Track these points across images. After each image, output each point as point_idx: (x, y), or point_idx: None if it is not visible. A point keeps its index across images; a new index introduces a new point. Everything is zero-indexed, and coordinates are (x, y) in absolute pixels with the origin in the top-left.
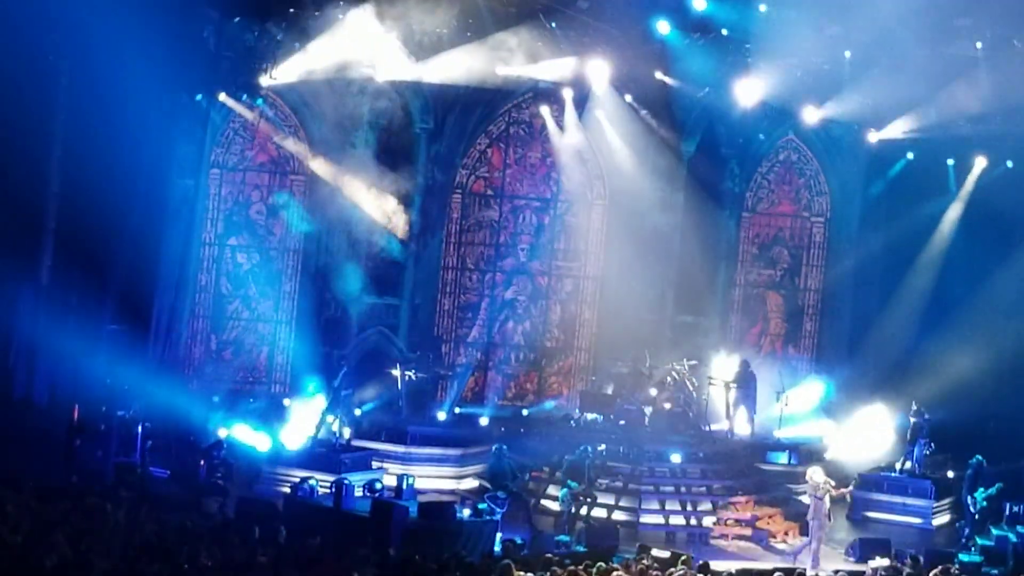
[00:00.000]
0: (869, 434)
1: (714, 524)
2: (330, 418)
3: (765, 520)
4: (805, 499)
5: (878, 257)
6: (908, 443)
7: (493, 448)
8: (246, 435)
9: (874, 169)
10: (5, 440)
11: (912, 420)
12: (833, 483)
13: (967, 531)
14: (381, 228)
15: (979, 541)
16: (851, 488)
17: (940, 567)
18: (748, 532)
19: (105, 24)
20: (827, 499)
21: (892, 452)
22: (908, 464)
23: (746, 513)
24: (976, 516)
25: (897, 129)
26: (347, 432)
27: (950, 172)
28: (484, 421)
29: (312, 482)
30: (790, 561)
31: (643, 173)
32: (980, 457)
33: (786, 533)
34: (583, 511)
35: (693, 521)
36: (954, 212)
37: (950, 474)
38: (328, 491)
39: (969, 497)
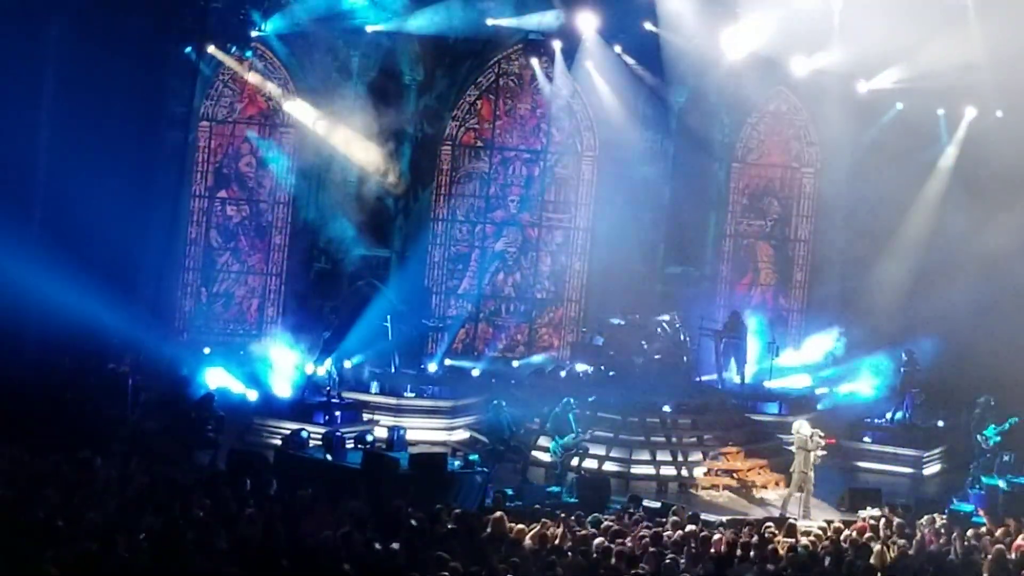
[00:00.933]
0: (860, 383)
1: (702, 475)
2: (320, 370)
3: (753, 471)
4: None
5: (868, 207)
6: (899, 393)
7: (492, 402)
8: (237, 387)
9: (864, 119)
10: None
11: (903, 370)
12: (821, 434)
13: (976, 469)
14: (371, 180)
15: (986, 481)
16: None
17: (926, 516)
18: (733, 483)
19: None
20: (812, 453)
21: (884, 402)
22: (899, 414)
23: (734, 464)
24: (989, 454)
25: (887, 79)
26: (338, 378)
27: (941, 122)
28: (476, 372)
29: (303, 434)
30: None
31: (633, 124)
32: (988, 396)
33: (776, 484)
34: (574, 462)
35: (684, 472)
36: (945, 162)
37: (940, 424)
38: (319, 443)
39: (979, 436)
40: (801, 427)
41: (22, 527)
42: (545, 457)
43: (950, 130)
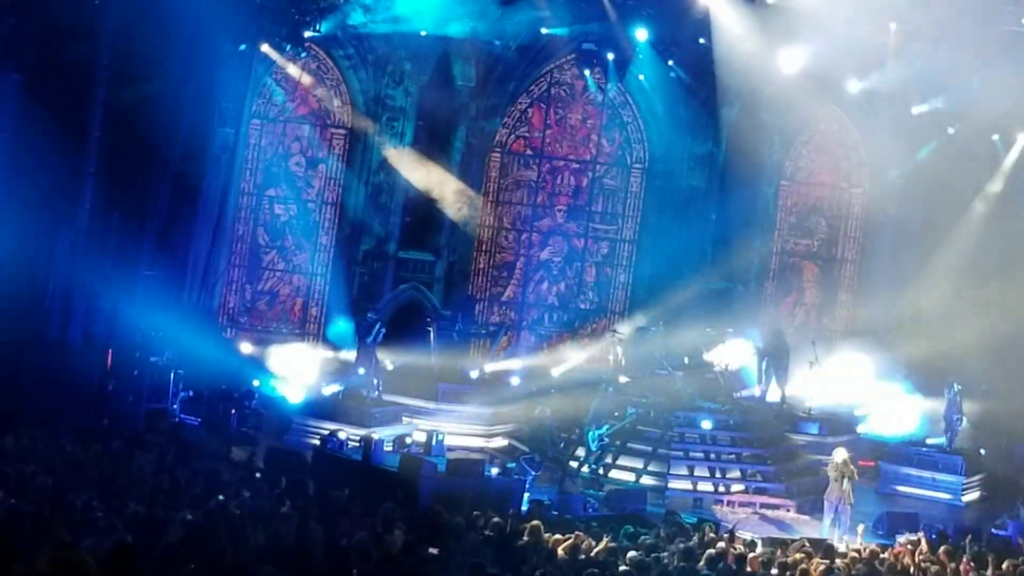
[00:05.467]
0: (901, 407)
1: (737, 493)
2: (361, 371)
3: (767, 497)
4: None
5: (916, 230)
6: (943, 419)
7: (536, 411)
8: (277, 386)
9: (915, 142)
10: (39, 382)
11: (947, 396)
12: (853, 468)
13: None
14: (418, 183)
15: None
16: (853, 468)
17: (945, 547)
18: (747, 499)
19: None
20: (844, 481)
21: (923, 426)
22: (943, 440)
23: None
24: None
25: (939, 103)
26: (379, 381)
27: (998, 147)
28: (515, 381)
29: (342, 435)
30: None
31: (683, 138)
32: None
33: (788, 509)
34: (608, 458)
35: (721, 488)
36: (994, 187)
37: (982, 451)
38: (357, 445)
39: None
40: (836, 454)
41: (61, 515)
42: (583, 468)
43: (1004, 155)
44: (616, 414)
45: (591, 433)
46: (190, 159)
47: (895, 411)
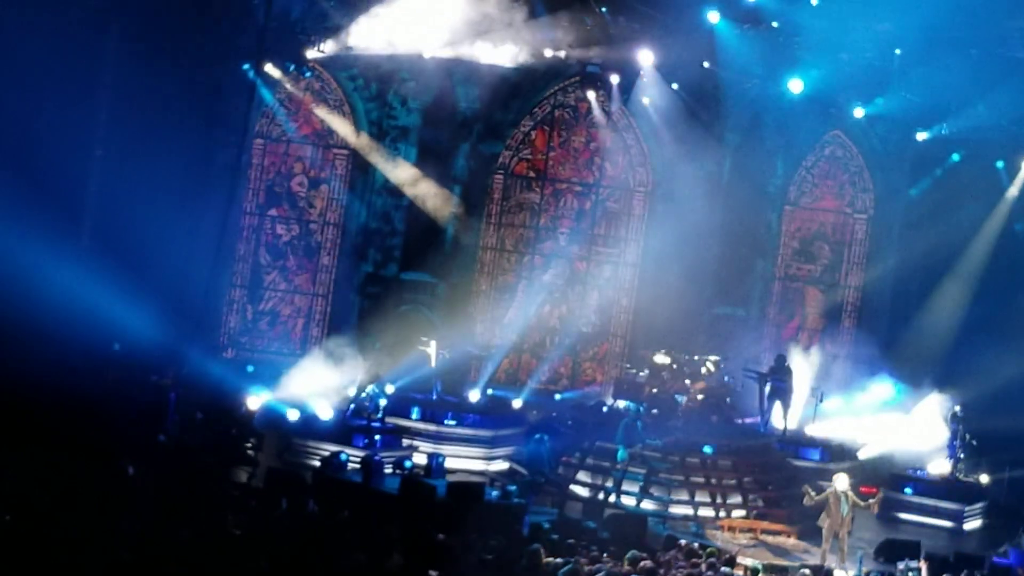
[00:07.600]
0: (905, 434)
1: (739, 518)
2: (362, 394)
3: (768, 523)
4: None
5: (920, 256)
6: (949, 445)
7: (534, 436)
8: (278, 406)
9: (919, 168)
10: (38, 400)
11: (951, 424)
12: (853, 496)
13: None
14: (421, 205)
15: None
16: (873, 502)
17: (965, 571)
18: (768, 526)
19: None
20: (846, 508)
21: (929, 453)
22: (947, 467)
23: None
24: None
25: (943, 129)
26: (382, 403)
27: (1002, 174)
28: (517, 404)
29: (342, 456)
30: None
31: (686, 162)
32: None
33: (788, 535)
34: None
35: (722, 514)
36: (999, 214)
37: (984, 479)
38: (358, 466)
39: None
40: (838, 480)
41: (60, 534)
42: (583, 491)
43: (1008, 183)
44: (647, 441)
45: (621, 452)
46: (192, 178)
47: (898, 436)
